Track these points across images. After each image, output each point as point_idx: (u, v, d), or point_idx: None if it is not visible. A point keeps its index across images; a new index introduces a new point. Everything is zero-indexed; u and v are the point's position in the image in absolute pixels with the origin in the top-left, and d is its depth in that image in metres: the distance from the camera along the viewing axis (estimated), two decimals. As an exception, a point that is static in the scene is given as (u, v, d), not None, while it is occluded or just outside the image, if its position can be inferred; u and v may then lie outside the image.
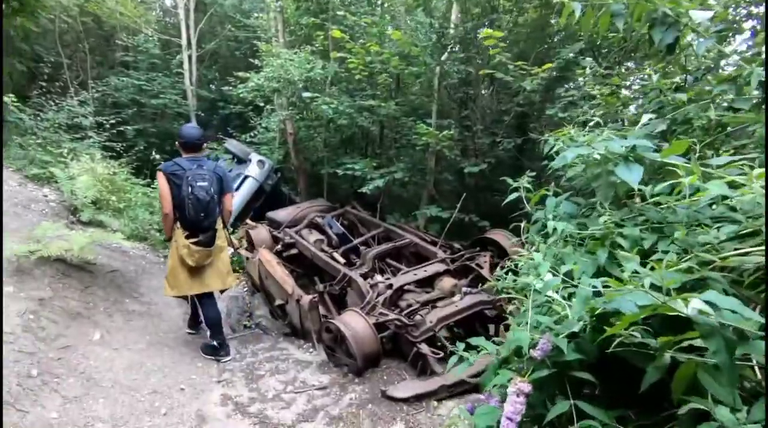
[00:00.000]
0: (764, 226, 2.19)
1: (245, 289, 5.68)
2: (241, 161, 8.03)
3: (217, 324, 3.51)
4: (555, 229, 2.12)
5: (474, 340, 1.98)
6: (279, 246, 5.29)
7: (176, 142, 3.37)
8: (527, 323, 1.78)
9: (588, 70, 3.58)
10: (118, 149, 8.19)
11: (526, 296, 1.88)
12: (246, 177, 7.56)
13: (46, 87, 8.49)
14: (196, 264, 3.28)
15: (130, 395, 2.71)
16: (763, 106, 1.94)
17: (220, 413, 2.68)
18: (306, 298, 3.68)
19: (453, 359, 1.87)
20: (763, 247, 1.29)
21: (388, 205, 6.31)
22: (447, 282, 3.72)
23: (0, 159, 5.13)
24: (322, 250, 4.96)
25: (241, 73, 6.83)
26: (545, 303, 1.88)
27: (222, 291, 3.78)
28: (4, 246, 3.86)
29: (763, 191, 1.33)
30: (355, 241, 5.08)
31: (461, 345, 1.94)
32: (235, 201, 7.41)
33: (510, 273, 2.57)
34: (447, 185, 5.80)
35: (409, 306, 3.49)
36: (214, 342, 3.52)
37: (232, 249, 3.87)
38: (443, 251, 4.37)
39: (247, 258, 5.81)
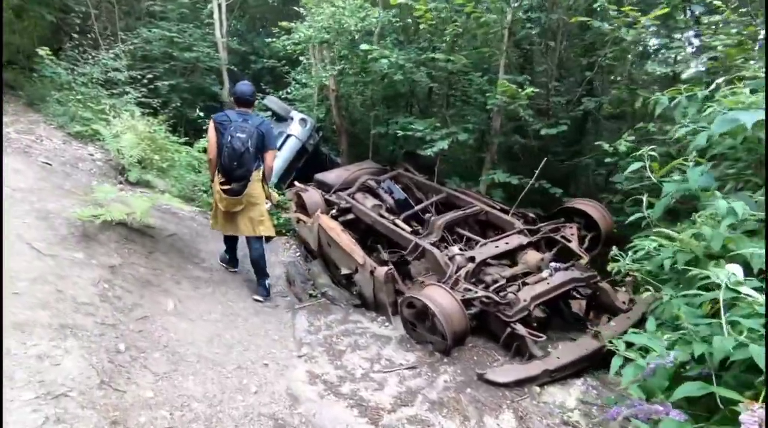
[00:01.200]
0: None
1: (298, 254, 5.53)
2: (281, 119, 7.69)
3: (255, 262, 3.86)
4: (731, 210, 1.78)
5: (633, 337, 1.72)
6: (334, 211, 5.06)
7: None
8: (721, 326, 1.49)
9: (714, 18, 3.06)
10: (154, 105, 7.93)
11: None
12: (288, 136, 7.25)
13: (78, 39, 8.16)
14: (225, 209, 3.58)
15: (217, 371, 2.59)
16: None
17: (311, 393, 2.54)
18: (381, 270, 3.47)
19: (617, 360, 1.62)
20: None
21: (443, 168, 5.95)
22: (532, 256, 3.44)
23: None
24: (382, 216, 4.71)
25: (284, 23, 6.33)
26: (730, 300, 1.58)
27: (267, 239, 4.01)
28: (62, 206, 3.72)
29: None
30: (416, 208, 4.79)
31: (620, 344, 1.68)
32: (277, 161, 7.17)
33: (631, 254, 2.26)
34: (507, 148, 5.39)
35: (495, 281, 3.24)
36: (260, 281, 3.88)
37: (269, 204, 3.89)
38: (518, 221, 4.07)
39: (298, 221, 5.62)
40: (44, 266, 2.80)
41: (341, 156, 7.95)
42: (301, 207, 5.59)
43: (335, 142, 8.54)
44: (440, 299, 2.97)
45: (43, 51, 7.28)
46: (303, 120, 7.39)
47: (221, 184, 3.53)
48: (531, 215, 4.15)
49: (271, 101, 7.69)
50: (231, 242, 4.05)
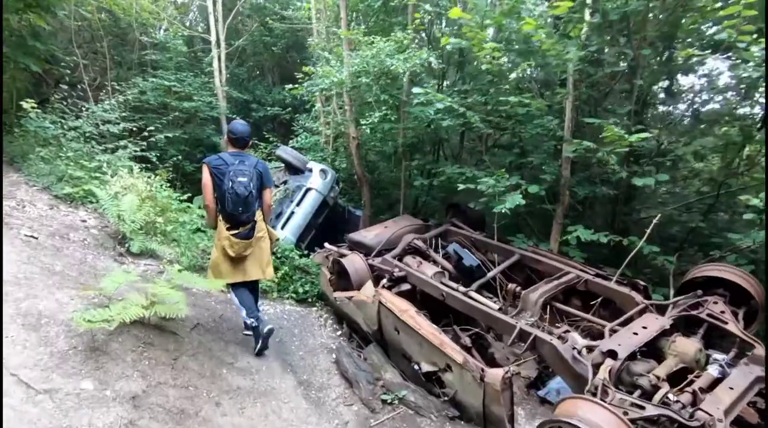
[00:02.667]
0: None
1: (339, 334, 4.62)
2: (297, 171, 6.96)
3: (251, 305, 3.56)
4: None
5: None
6: (385, 282, 4.23)
7: (225, 136, 3.56)
8: None
9: None
10: (151, 159, 7.12)
11: None
12: (308, 189, 6.49)
13: (67, 91, 7.41)
14: (236, 254, 3.41)
15: None
16: None
17: None
18: (495, 374, 2.62)
19: None
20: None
21: (491, 221, 5.25)
22: (687, 346, 2.66)
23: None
24: (450, 287, 3.90)
25: (308, 68, 5.74)
26: None
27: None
28: (57, 304, 2.80)
29: None
30: (489, 275, 4.01)
31: None
32: (296, 218, 6.37)
33: None
34: (577, 198, 4.75)
35: (654, 386, 2.43)
36: (248, 321, 3.52)
37: (271, 243, 3.71)
38: (632, 291, 3.32)
39: (333, 287, 4.77)
40: (38, 414, 1.87)
41: (363, 208, 7.22)
42: (340, 275, 4.74)
43: (353, 193, 7.83)
44: (599, 420, 2.13)
45: (27, 103, 6.47)
46: (323, 171, 6.68)
47: (228, 229, 3.38)
48: (641, 283, 3.42)
49: (286, 152, 6.98)
50: (244, 292, 3.62)
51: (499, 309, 3.37)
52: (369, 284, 4.09)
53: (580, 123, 4.39)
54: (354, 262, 4.53)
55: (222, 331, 3.75)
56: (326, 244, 5.35)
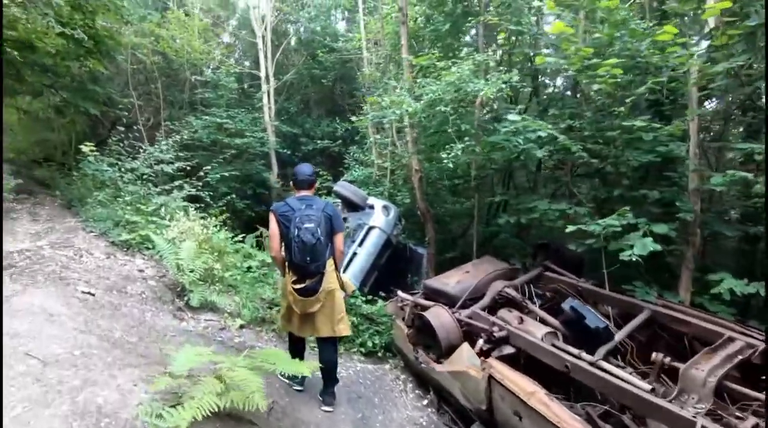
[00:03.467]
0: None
1: (426, 403, 3.95)
2: (356, 207, 6.49)
3: (329, 369, 3.34)
4: None
5: None
6: (482, 343, 3.55)
7: (290, 182, 3.34)
8: None
9: None
10: (206, 199, 6.85)
11: None
12: (370, 228, 5.97)
13: (124, 132, 7.35)
14: (302, 311, 3.14)
15: None
16: None
17: None
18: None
19: None
20: None
21: (592, 263, 4.50)
22: None
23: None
24: (565, 352, 3.18)
25: (373, 98, 5.32)
26: None
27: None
28: (119, 393, 2.31)
29: None
30: (617, 338, 3.26)
31: None
32: (359, 259, 5.82)
33: None
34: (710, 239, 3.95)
35: None
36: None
37: (344, 294, 3.34)
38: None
39: (408, 340, 4.14)
40: None
41: (428, 246, 6.61)
42: (421, 330, 4.11)
43: (413, 228, 7.24)
44: None
45: (86, 147, 6.37)
46: (385, 207, 6.16)
47: (293, 282, 3.09)
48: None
49: (344, 187, 6.54)
50: (299, 348, 3.47)
51: (652, 391, 2.62)
52: (466, 349, 3.43)
53: (705, 148, 3.66)
54: (440, 317, 3.89)
55: (298, 408, 3.17)
56: (399, 293, 4.75)
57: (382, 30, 7.00)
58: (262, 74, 9.60)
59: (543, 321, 3.71)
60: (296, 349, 3.48)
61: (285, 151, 9.42)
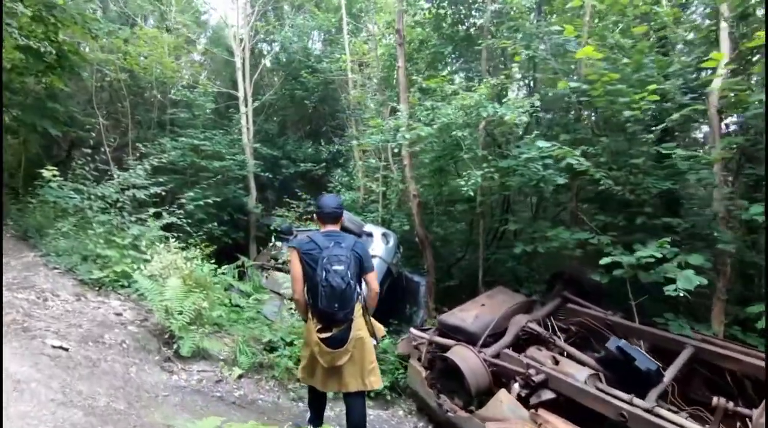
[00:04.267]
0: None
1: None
2: (351, 234, 6.11)
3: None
4: None
5: None
6: (518, 388, 3.25)
7: (314, 215, 3.08)
8: None
9: None
10: (185, 228, 6.27)
11: None
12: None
13: (90, 154, 6.69)
14: (328, 365, 2.75)
15: None
16: None
17: None
18: None
19: None
20: None
21: (613, 294, 4.35)
22: None
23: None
24: (613, 396, 2.93)
25: (376, 121, 5.05)
26: None
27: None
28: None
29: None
30: (666, 380, 3.05)
31: None
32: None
33: None
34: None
35: None
36: None
37: (375, 341, 2.96)
38: None
39: (426, 384, 3.78)
40: None
41: (426, 275, 6.30)
42: (444, 375, 3.76)
43: (409, 256, 6.94)
44: None
45: (48, 171, 5.69)
46: (384, 235, 5.83)
47: (318, 331, 2.72)
48: None
49: (339, 214, 6.14)
50: (321, 403, 3.12)
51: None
52: (505, 397, 3.12)
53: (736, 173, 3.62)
54: (468, 360, 3.57)
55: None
56: (413, 330, 4.40)
57: (375, 51, 6.80)
58: (240, 94, 9.16)
59: (575, 360, 3.47)
60: (318, 405, 3.06)
61: (265, 174, 8.93)
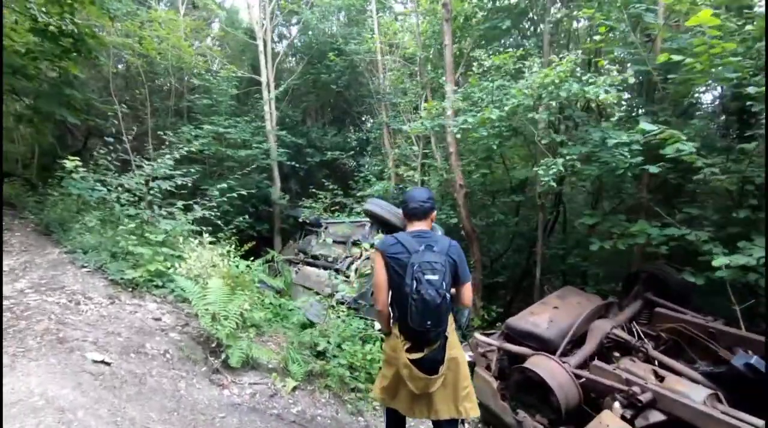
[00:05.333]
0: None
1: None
2: (393, 229, 5.69)
3: None
4: None
5: None
6: (619, 407, 2.84)
7: (401, 212, 2.54)
8: None
9: None
10: (215, 222, 5.88)
11: None
12: (417, 253, 5.18)
13: (113, 143, 6.29)
14: (420, 391, 2.31)
15: None
16: None
17: None
18: None
19: None
20: None
21: (697, 294, 3.90)
22: None
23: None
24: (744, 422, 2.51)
25: (430, 103, 4.57)
26: None
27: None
28: None
29: None
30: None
31: None
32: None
33: None
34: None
35: None
36: None
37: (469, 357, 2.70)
38: None
39: (499, 396, 3.38)
40: None
41: (473, 271, 5.87)
42: (522, 387, 3.35)
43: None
44: None
45: (70, 161, 5.30)
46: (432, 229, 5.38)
47: (408, 351, 2.30)
48: None
49: (380, 206, 5.72)
50: (398, 423, 2.67)
51: None
52: (610, 421, 2.70)
53: None
54: (554, 373, 3.15)
55: None
56: (477, 335, 3.99)
57: (417, 26, 6.28)
58: (263, 79, 8.69)
59: (683, 375, 3.04)
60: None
61: (290, 163, 8.50)
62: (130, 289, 4.12)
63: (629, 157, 3.47)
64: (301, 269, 7.26)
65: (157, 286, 4.24)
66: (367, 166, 8.22)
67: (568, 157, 3.43)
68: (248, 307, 3.95)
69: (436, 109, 4.58)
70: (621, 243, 3.80)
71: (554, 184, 3.42)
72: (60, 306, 3.50)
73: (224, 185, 5.52)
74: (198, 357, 3.34)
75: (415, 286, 2.15)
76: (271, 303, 5.36)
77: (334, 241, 6.96)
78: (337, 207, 8.37)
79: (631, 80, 3.35)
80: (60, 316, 3.29)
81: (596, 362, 3.21)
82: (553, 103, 3.60)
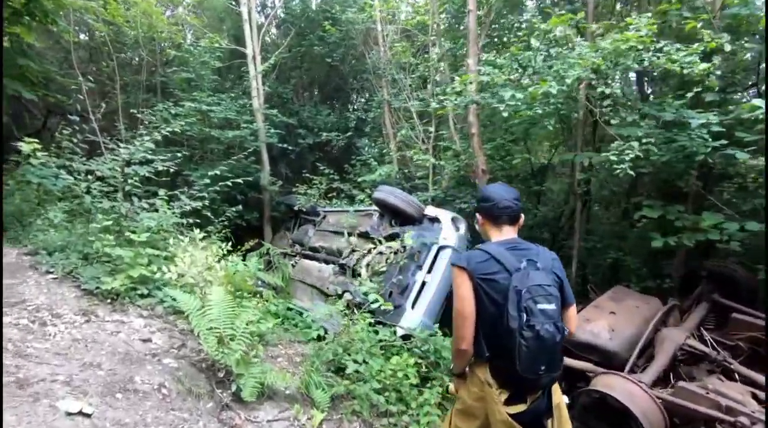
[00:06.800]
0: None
1: None
2: (407, 219, 5.08)
3: None
4: None
5: None
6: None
7: (476, 216, 1.93)
8: None
9: None
10: (204, 213, 5.14)
11: None
12: (441, 248, 4.61)
13: (78, 123, 5.39)
14: None
15: None
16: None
17: None
18: None
19: None
20: None
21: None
22: None
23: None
24: None
25: (463, 76, 3.92)
26: None
27: None
28: None
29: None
30: None
31: None
32: (434, 289, 4.45)
33: None
34: None
35: None
36: None
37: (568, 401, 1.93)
38: None
39: None
40: None
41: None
42: (597, 412, 2.85)
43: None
44: None
45: (27, 144, 4.42)
46: (454, 220, 4.81)
47: (506, 403, 1.69)
48: None
49: (392, 194, 5.08)
50: None
51: None
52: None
53: None
54: (634, 397, 2.66)
55: None
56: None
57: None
58: (249, 51, 7.79)
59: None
60: None
61: (281, 145, 7.72)
62: (109, 301, 3.39)
63: (710, 140, 2.94)
64: (298, 262, 6.60)
65: (142, 295, 3.53)
66: (366, 149, 7.52)
67: (644, 140, 2.89)
68: (255, 318, 3.31)
69: (463, 84, 3.95)
70: (687, 239, 3.31)
71: (632, 172, 2.89)
72: (20, 329, 2.77)
73: (216, 171, 4.75)
74: (202, 389, 2.69)
75: (525, 320, 1.63)
76: (274, 305, 4.74)
77: (335, 232, 6.32)
78: (334, 193, 7.69)
79: (728, 48, 2.82)
80: (20, 345, 2.57)
81: (682, 383, 2.73)
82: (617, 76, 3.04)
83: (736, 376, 2.93)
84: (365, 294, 3.79)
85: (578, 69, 2.95)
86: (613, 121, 3.00)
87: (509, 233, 1.85)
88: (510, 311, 1.64)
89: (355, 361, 3.38)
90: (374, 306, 3.69)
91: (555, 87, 2.97)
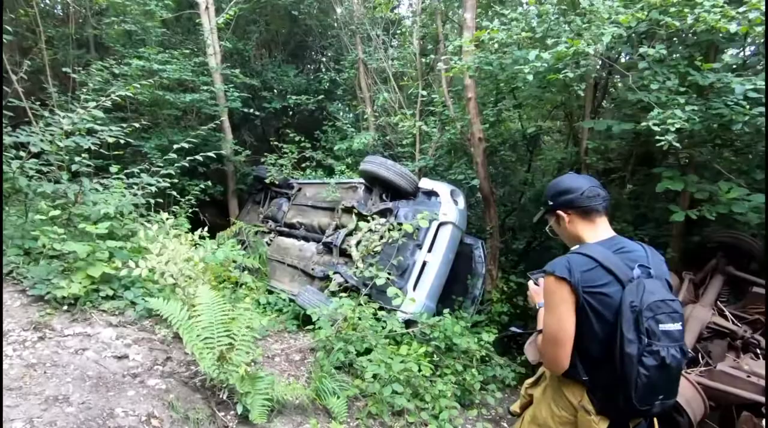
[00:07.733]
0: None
1: None
2: (399, 193, 4.67)
3: None
4: None
5: None
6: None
7: (548, 206, 1.55)
8: None
9: None
10: (169, 192, 4.46)
11: None
12: (441, 224, 4.27)
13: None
14: None
15: None
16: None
17: None
18: None
19: None
20: None
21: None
22: None
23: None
24: None
25: (481, 32, 3.45)
26: None
27: None
28: None
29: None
30: None
31: None
32: (435, 269, 4.14)
33: None
34: None
35: None
36: None
37: None
38: None
39: None
40: None
41: (489, 238, 5.13)
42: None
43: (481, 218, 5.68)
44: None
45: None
46: (452, 193, 4.46)
47: None
48: None
49: (383, 165, 4.63)
50: None
51: None
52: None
53: None
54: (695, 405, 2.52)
55: None
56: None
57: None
58: (201, 0, 6.76)
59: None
60: None
61: (246, 109, 6.92)
62: (66, 308, 2.79)
63: (748, 107, 2.73)
64: (274, 240, 6.07)
65: (106, 298, 2.95)
66: (342, 114, 6.92)
67: (688, 108, 2.62)
68: (253, 318, 2.85)
69: (467, 44, 3.49)
70: (708, 212, 3.17)
71: (677, 144, 2.63)
72: (-48, 357, 2.16)
73: (183, 143, 4.06)
74: (200, 414, 2.25)
75: (646, 343, 1.31)
76: (258, 291, 4.28)
77: (314, 207, 5.82)
78: (308, 162, 7.09)
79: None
80: (-45, 380, 1.99)
81: (721, 366, 2.62)
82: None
83: (758, 352, 2.89)
84: (381, 287, 3.41)
85: (615, 26, 2.59)
86: (653, 86, 2.70)
87: (605, 228, 1.51)
88: (626, 333, 1.32)
89: (371, 361, 3.04)
90: (389, 296, 3.36)
91: (591, 46, 2.60)
